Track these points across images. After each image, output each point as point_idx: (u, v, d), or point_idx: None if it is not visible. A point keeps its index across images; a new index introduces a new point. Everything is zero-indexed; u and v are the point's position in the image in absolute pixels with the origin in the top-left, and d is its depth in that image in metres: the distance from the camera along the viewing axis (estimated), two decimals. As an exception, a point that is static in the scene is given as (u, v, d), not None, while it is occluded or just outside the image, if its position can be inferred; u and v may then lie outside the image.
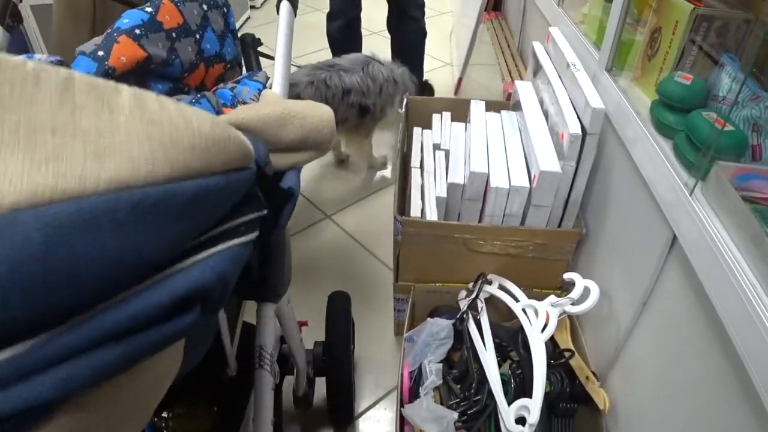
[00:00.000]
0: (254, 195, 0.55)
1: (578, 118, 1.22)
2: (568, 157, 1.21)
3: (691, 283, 0.89)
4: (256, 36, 1.18)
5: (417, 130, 1.69)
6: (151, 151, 0.40)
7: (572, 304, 1.16)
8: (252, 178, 0.53)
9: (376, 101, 1.98)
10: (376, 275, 1.83)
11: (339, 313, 1.31)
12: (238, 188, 0.50)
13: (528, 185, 1.26)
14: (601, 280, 1.18)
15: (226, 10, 1.05)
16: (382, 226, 2.01)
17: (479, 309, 1.27)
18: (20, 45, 2.43)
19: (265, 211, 0.57)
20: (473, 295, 1.29)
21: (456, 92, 2.82)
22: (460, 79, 2.77)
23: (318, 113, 0.69)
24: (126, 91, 0.42)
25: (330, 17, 2.41)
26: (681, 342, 0.94)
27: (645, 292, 1.05)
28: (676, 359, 0.96)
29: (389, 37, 2.47)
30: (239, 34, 1.14)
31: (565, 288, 1.35)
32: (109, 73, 0.83)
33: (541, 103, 1.46)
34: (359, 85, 1.90)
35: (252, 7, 4.07)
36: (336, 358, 1.25)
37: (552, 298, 1.19)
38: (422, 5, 2.33)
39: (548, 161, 1.22)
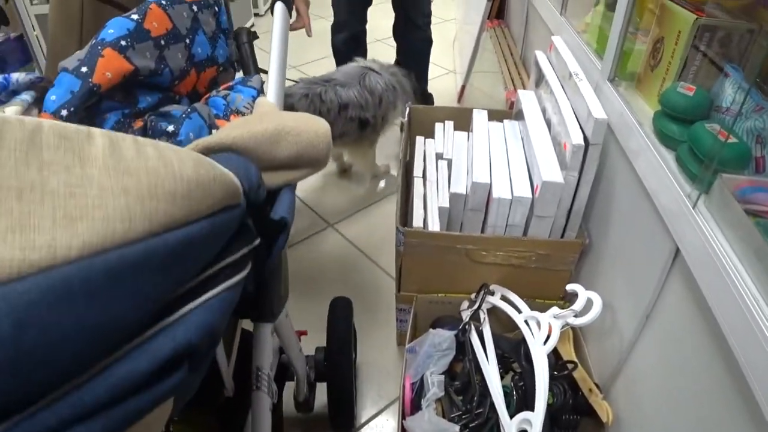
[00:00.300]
0: (244, 225, 0.52)
1: (581, 128, 1.22)
2: (570, 167, 1.21)
3: (694, 295, 0.88)
4: (253, 32, 1.14)
5: (420, 139, 1.68)
6: (128, 206, 0.37)
7: (575, 316, 1.15)
8: (241, 215, 0.50)
9: (376, 113, 1.97)
10: (378, 284, 1.82)
11: (340, 318, 1.30)
12: (226, 230, 0.48)
13: (530, 196, 1.26)
14: (603, 291, 1.17)
15: (217, 8, 0.99)
16: (385, 235, 2.00)
17: (481, 320, 1.26)
18: (23, 53, 2.45)
19: (257, 242, 0.54)
20: (475, 306, 1.28)
21: (459, 100, 2.82)
22: (463, 87, 2.76)
23: (314, 128, 0.67)
24: (99, 138, 0.39)
25: (335, 29, 2.40)
26: (684, 354, 0.93)
27: (648, 305, 1.04)
28: (679, 372, 0.95)
29: (394, 45, 2.47)
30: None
31: (568, 299, 1.35)
32: (94, 91, 0.78)
33: (544, 112, 1.46)
34: (357, 99, 1.89)
35: (256, 14, 4.09)
36: (337, 363, 1.25)
37: (554, 310, 1.18)
38: (429, 14, 2.33)
39: (551, 172, 1.22)
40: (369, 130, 2.00)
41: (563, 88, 1.40)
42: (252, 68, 1.10)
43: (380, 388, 1.49)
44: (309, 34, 1.57)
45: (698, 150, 0.92)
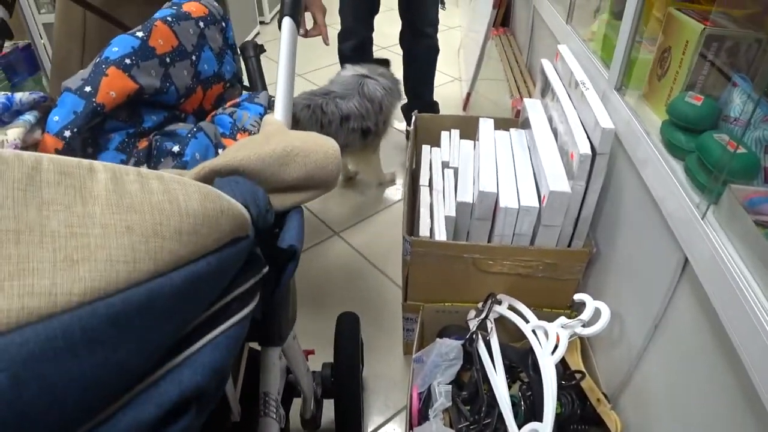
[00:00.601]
0: (252, 254, 0.50)
1: (588, 137, 1.22)
2: (577, 176, 1.20)
3: (704, 306, 0.88)
4: (260, 45, 1.11)
5: (425, 148, 1.68)
6: (132, 246, 0.35)
7: (583, 325, 1.15)
8: (250, 247, 0.48)
9: (378, 120, 1.98)
10: (384, 293, 1.82)
11: (348, 335, 1.30)
12: (235, 263, 0.46)
13: (538, 205, 1.25)
14: (611, 300, 1.17)
15: (224, 24, 0.97)
16: (391, 243, 2.00)
17: (489, 330, 1.26)
18: (31, 62, 2.46)
19: (266, 270, 0.52)
20: (483, 316, 1.28)
21: (464, 108, 2.82)
22: (468, 95, 2.77)
23: (323, 149, 0.66)
24: (102, 173, 0.37)
25: (342, 37, 2.40)
26: (693, 365, 0.93)
27: (657, 314, 1.03)
28: (688, 382, 0.95)
29: (400, 52, 2.48)
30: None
31: (575, 308, 1.34)
32: (97, 111, 0.75)
33: (550, 121, 1.46)
34: (357, 110, 1.89)
35: (261, 22, 4.10)
36: (344, 382, 1.24)
37: (562, 320, 1.18)
38: (436, 22, 2.33)
39: (558, 181, 1.21)
40: (371, 137, 2.01)
41: (570, 96, 1.40)
42: (259, 83, 1.08)
43: (387, 397, 1.49)
44: (326, 42, 1.56)
45: (707, 160, 0.92)
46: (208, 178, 0.59)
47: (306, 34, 1.43)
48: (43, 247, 0.32)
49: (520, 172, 1.37)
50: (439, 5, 2.37)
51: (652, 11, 1.23)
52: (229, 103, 0.92)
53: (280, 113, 0.84)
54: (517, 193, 1.29)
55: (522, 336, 1.25)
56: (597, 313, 1.15)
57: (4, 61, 2.18)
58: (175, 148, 0.76)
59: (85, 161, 0.37)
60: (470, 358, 1.23)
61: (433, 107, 2.53)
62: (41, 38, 2.45)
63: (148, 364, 0.37)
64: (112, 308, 0.33)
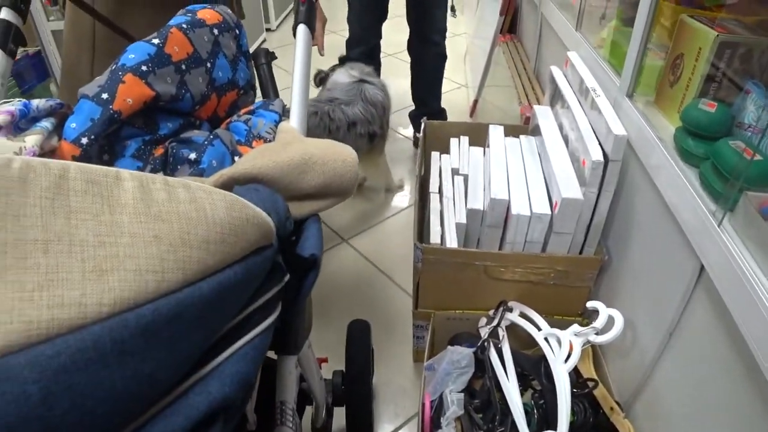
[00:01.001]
0: (275, 263, 0.50)
1: (600, 144, 1.22)
2: (589, 183, 1.20)
3: (721, 314, 0.87)
4: (271, 52, 1.12)
5: (435, 155, 1.68)
6: (160, 256, 0.35)
7: (596, 333, 1.14)
8: (273, 256, 0.47)
9: (382, 123, 2.00)
10: (393, 299, 1.81)
11: (359, 343, 1.29)
12: (260, 272, 0.45)
13: (549, 212, 1.25)
14: (624, 308, 1.16)
15: (238, 31, 0.96)
16: (399, 249, 2.00)
17: (500, 337, 1.25)
18: (40, 69, 2.48)
19: (287, 278, 0.51)
20: (494, 323, 1.27)
21: (471, 114, 2.82)
22: (475, 102, 2.77)
23: (341, 157, 0.65)
24: (129, 181, 0.37)
25: (350, 44, 2.42)
26: (709, 373, 0.92)
27: (671, 322, 1.03)
28: (703, 390, 0.94)
29: (405, 59, 2.48)
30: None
31: (587, 315, 1.34)
32: (114, 118, 0.75)
33: (560, 128, 1.46)
34: (363, 115, 1.91)
35: (268, 29, 4.11)
36: (356, 390, 1.23)
37: (575, 327, 1.17)
38: (444, 30, 2.34)
39: (570, 188, 1.21)
40: (377, 140, 2.03)
41: (580, 103, 1.40)
42: (271, 90, 1.08)
43: (396, 405, 1.48)
44: (321, 53, 1.58)
45: (723, 167, 0.91)
46: (227, 186, 0.59)
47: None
48: (72, 257, 0.32)
49: (531, 179, 1.37)
50: (450, 13, 2.38)
51: (661, 18, 1.23)
52: (243, 110, 0.92)
53: (295, 120, 0.84)
54: (529, 200, 1.28)
55: (532, 343, 1.24)
56: (610, 321, 1.14)
57: (14, 68, 2.19)
58: (192, 156, 0.76)
59: (112, 169, 0.37)
60: (482, 365, 1.23)
61: (441, 114, 2.54)
62: (50, 45, 2.46)
63: (177, 376, 0.37)
64: (142, 319, 0.32)
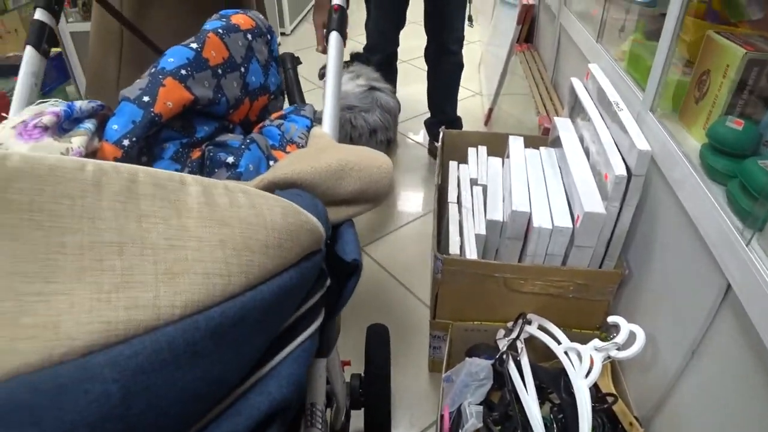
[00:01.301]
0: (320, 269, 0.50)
1: (623, 158, 1.21)
2: (612, 198, 1.20)
3: (748, 334, 0.86)
4: (296, 57, 1.13)
5: (452, 164, 1.68)
6: (225, 260, 0.35)
7: (617, 348, 1.14)
8: (321, 261, 0.48)
9: (395, 128, 2.02)
10: (408, 307, 1.81)
11: (378, 346, 1.30)
12: (311, 277, 0.46)
13: (571, 226, 1.25)
14: (644, 323, 1.16)
15: (270, 36, 0.97)
16: (414, 257, 2.00)
17: (519, 350, 1.25)
18: (61, 70, 2.49)
19: (329, 282, 0.52)
20: (514, 335, 1.27)
21: (486, 123, 2.82)
22: (490, 110, 2.77)
23: (376, 163, 0.66)
24: (193, 186, 0.38)
25: (367, 51, 2.42)
26: (734, 394, 0.92)
27: (695, 340, 1.02)
28: (727, 410, 0.94)
29: (419, 65, 2.49)
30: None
31: (605, 329, 1.33)
32: (155, 121, 0.76)
33: (581, 140, 1.45)
34: (381, 122, 1.93)
35: (282, 33, 4.13)
36: (375, 392, 1.24)
37: (596, 342, 1.17)
38: (461, 39, 2.35)
39: (592, 202, 1.21)
40: (393, 145, 2.05)
41: (602, 116, 1.40)
42: (297, 95, 1.09)
43: (412, 415, 1.48)
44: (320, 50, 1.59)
45: (752, 187, 0.91)
46: (268, 190, 0.60)
47: (324, 50, 1.46)
48: (144, 260, 0.33)
49: (552, 191, 1.36)
50: (467, 22, 2.38)
51: (686, 34, 1.23)
52: (275, 115, 0.92)
53: (328, 126, 0.85)
54: (550, 213, 1.28)
55: (549, 356, 1.24)
56: (632, 337, 1.14)
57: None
58: (230, 159, 0.76)
59: (176, 174, 0.38)
60: (500, 378, 1.22)
61: (457, 122, 2.54)
62: (69, 46, 2.48)
63: (239, 378, 0.37)
64: (211, 321, 0.33)
